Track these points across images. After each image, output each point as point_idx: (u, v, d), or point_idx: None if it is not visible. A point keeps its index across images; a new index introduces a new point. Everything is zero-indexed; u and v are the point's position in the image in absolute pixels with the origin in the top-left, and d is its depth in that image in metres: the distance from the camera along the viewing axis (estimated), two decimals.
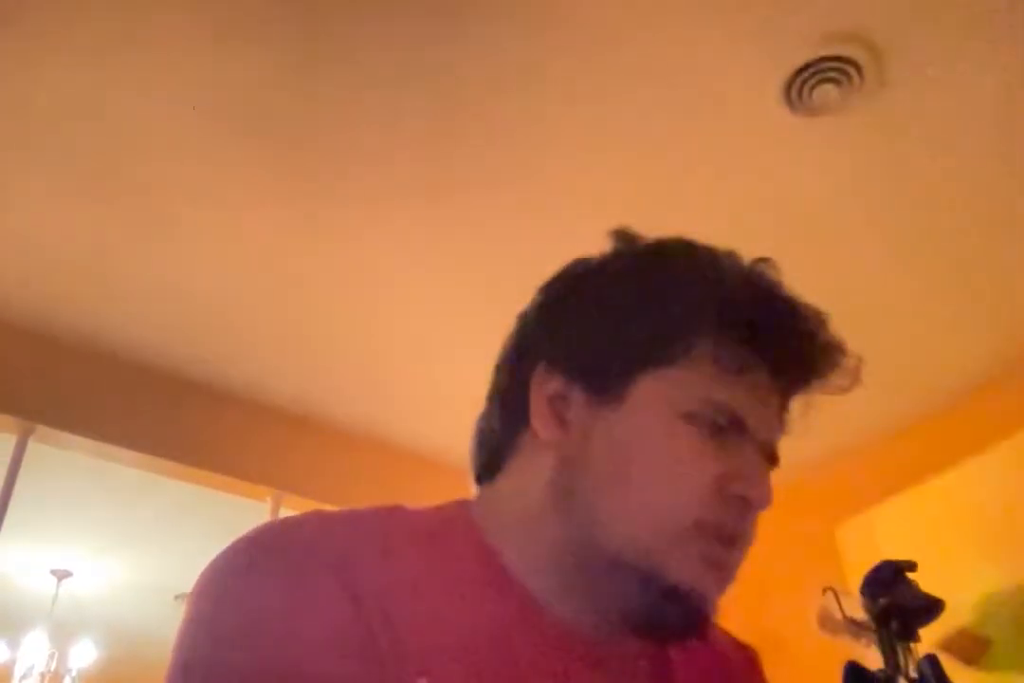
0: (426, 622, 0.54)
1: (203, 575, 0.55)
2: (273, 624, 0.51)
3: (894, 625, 2.07)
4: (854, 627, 2.13)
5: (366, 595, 0.53)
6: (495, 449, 0.67)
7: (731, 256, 0.66)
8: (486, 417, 0.69)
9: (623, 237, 0.70)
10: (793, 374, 0.64)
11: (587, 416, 0.63)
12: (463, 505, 0.66)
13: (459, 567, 0.59)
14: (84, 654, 4.31)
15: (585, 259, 0.70)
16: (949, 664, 2.17)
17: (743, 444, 0.62)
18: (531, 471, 0.64)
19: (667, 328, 0.62)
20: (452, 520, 0.64)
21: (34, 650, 4.07)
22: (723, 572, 0.60)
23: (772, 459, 0.64)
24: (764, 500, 0.60)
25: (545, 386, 0.64)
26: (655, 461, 0.60)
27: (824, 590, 2.27)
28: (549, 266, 0.72)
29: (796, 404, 0.67)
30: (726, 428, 0.61)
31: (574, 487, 0.61)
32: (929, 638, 2.25)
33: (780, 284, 0.65)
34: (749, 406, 0.62)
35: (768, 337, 0.62)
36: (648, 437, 0.60)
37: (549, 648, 0.59)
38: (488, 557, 0.61)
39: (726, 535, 0.60)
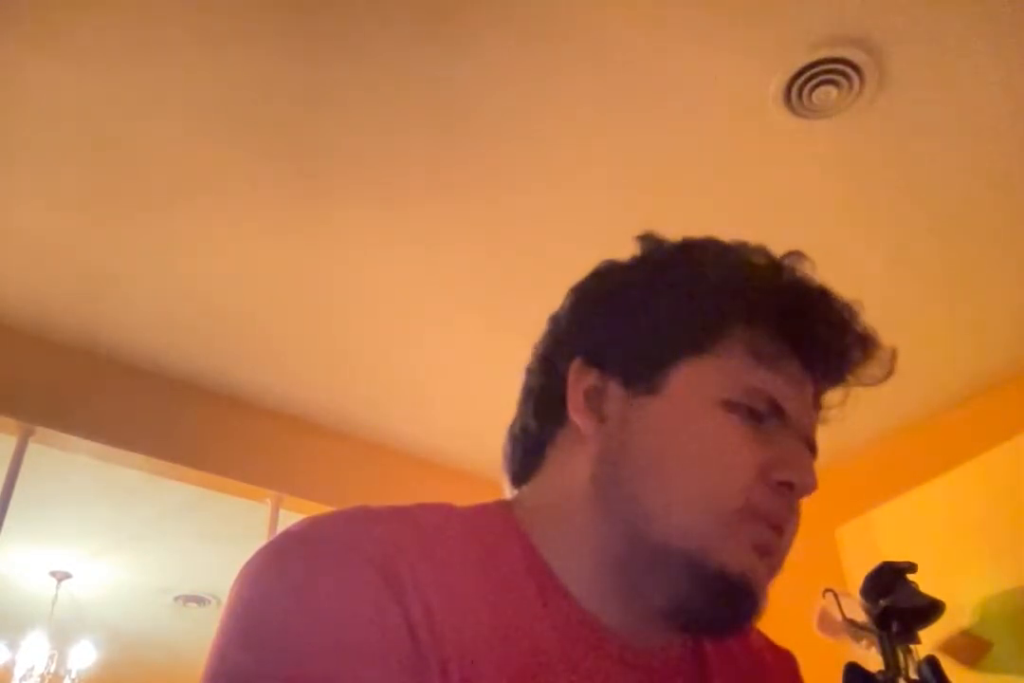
0: (467, 620, 0.54)
1: (245, 569, 0.55)
2: (314, 619, 0.50)
3: (894, 627, 2.07)
4: (854, 629, 2.13)
5: (408, 590, 0.52)
6: (531, 449, 0.67)
7: (761, 249, 0.66)
8: (520, 419, 0.68)
9: (650, 240, 0.70)
10: (825, 365, 0.64)
11: (625, 407, 0.62)
12: (506, 505, 0.66)
13: (502, 566, 0.59)
14: (84, 655, 4.30)
15: (614, 260, 0.70)
16: (949, 666, 2.17)
17: (783, 431, 0.62)
18: (571, 467, 0.64)
19: (700, 316, 0.63)
20: (495, 519, 0.63)
21: (34, 651, 4.07)
22: (772, 559, 0.60)
23: (811, 448, 0.64)
24: (810, 485, 0.60)
25: (582, 380, 0.64)
26: (699, 448, 0.60)
27: (824, 592, 2.27)
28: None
29: (833, 395, 0.67)
30: (765, 415, 0.61)
31: (617, 479, 0.61)
32: (929, 640, 2.25)
33: (810, 276, 0.65)
34: (786, 394, 0.62)
35: (799, 327, 0.62)
36: (690, 424, 0.60)
37: (589, 650, 0.58)
38: (531, 557, 0.61)
39: (775, 522, 0.59)
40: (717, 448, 0.59)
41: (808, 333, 0.62)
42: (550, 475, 0.65)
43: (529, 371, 0.69)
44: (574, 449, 0.64)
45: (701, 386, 0.61)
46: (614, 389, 0.63)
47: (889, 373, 0.65)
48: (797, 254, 0.66)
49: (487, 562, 0.58)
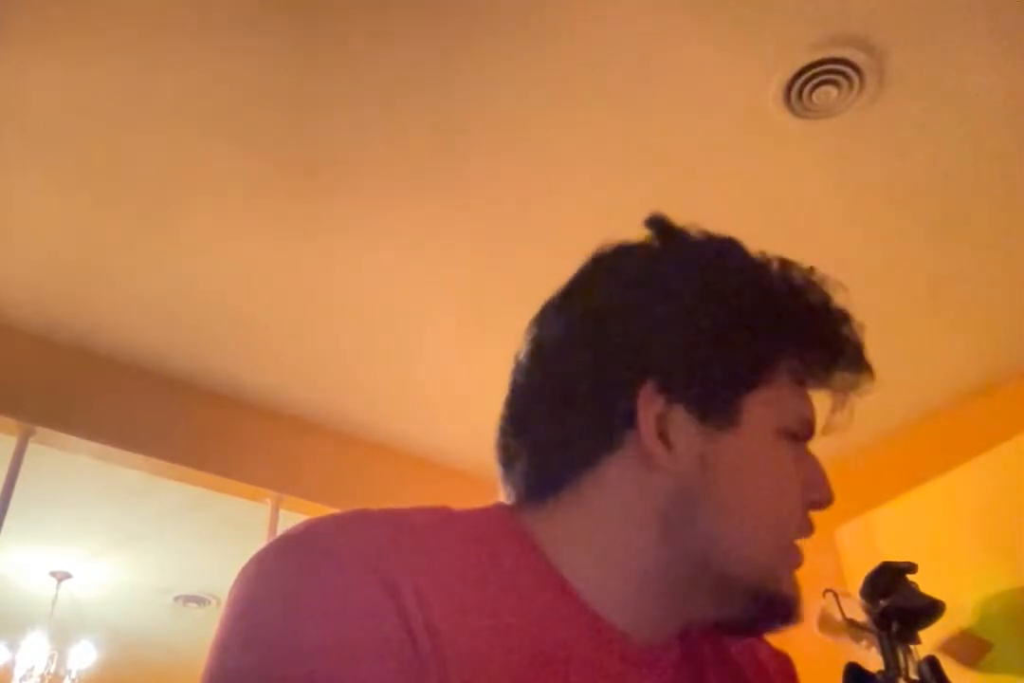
0: (466, 620, 0.54)
1: (244, 570, 0.55)
2: (312, 620, 0.50)
3: (894, 627, 2.07)
4: (854, 629, 2.13)
5: (406, 593, 0.52)
6: (569, 464, 0.63)
7: (794, 265, 0.67)
8: (557, 430, 0.63)
9: (661, 226, 0.68)
10: (843, 381, 0.66)
11: (700, 441, 0.61)
12: (507, 508, 0.65)
13: (501, 568, 0.59)
14: (84, 655, 4.30)
15: (639, 248, 0.68)
16: (949, 666, 2.17)
17: (805, 448, 0.65)
18: (628, 492, 0.61)
19: (763, 349, 0.63)
20: (495, 522, 0.63)
21: (34, 651, 4.07)
22: (799, 567, 0.64)
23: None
24: (832, 501, 0.65)
25: (652, 407, 0.61)
26: (770, 483, 0.62)
27: (824, 592, 2.27)
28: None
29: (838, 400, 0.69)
30: (803, 438, 0.65)
31: (694, 517, 0.60)
32: (929, 640, 2.25)
33: (831, 294, 0.66)
34: (814, 414, 0.66)
35: (839, 352, 0.65)
36: (760, 460, 0.62)
37: (594, 649, 0.58)
38: (534, 559, 0.60)
39: (804, 539, 0.64)
40: (780, 481, 0.63)
41: (841, 357, 0.65)
42: (600, 499, 0.62)
43: (558, 372, 0.64)
44: (639, 478, 0.61)
45: (765, 419, 0.63)
46: (680, 417, 0.61)
47: (869, 385, 0.68)
48: (814, 270, 0.67)
49: (486, 564, 0.58)
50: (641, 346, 0.62)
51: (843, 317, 0.66)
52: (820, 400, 0.67)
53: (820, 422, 0.67)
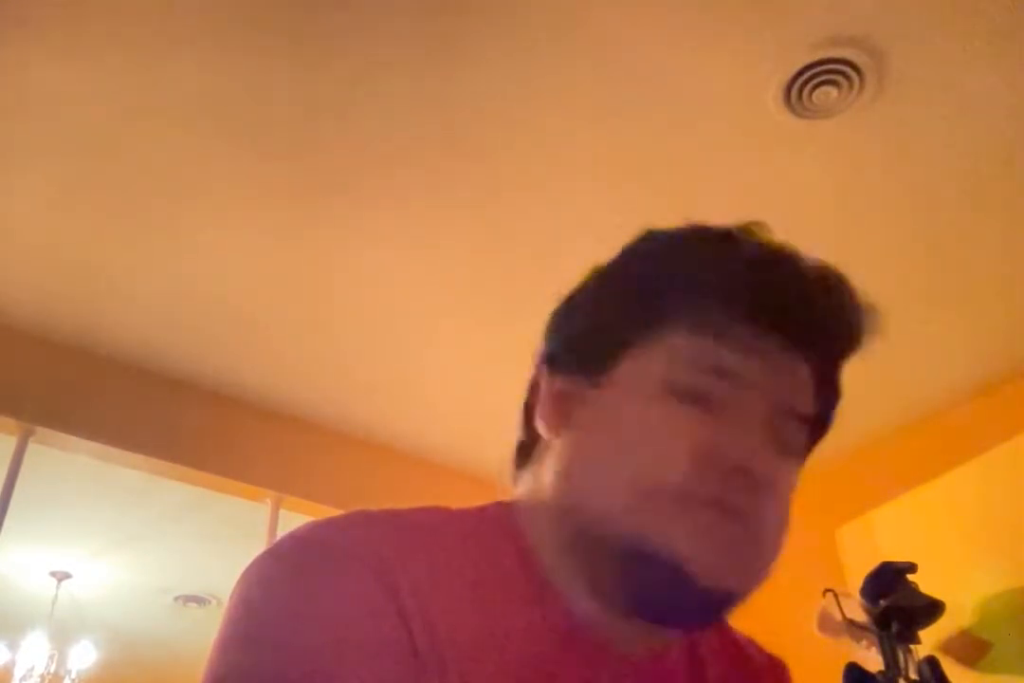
0: (464, 622, 0.54)
1: (246, 572, 0.55)
2: (313, 621, 0.51)
3: (894, 627, 2.07)
4: (854, 629, 2.13)
5: (406, 594, 0.52)
6: (521, 459, 0.68)
7: (712, 226, 0.64)
8: (518, 428, 0.69)
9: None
10: (797, 330, 0.60)
11: (580, 406, 0.63)
12: (505, 506, 0.65)
13: (499, 569, 0.59)
14: (84, 655, 4.30)
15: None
16: (949, 666, 2.17)
17: (745, 412, 0.58)
18: (542, 472, 0.64)
19: (640, 304, 0.62)
20: (494, 522, 0.63)
21: (34, 651, 4.07)
22: (730, 552, 0.56)
23: (803, 420, 0.61)
24: (760, 468, 0.56)
25: (551, 387, 0.64)
26: (633, 434, 0.59)
27: (824, 592, 2.27)
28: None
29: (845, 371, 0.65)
30: (711, 390, 0.58)
31: (565, 474, 0.61)
32: (929, 640, 2.25)
33: (774, 247, 0.63)
34: (738, 361, 0.59)
35: (758, 302, 0.59)
36: (628, 413, 0.60)
37: (584, 654, 0.58)
38: (527, 559, 0.60)
39: (729, 509, 0.56)
40: (652, 432, 0.58)
41: (758, 299, 0.59)
42: (530, 480, 0.66)
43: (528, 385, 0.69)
44: (544, 455, 0.64)
45: (643, 374, 0.60)
46: (575, 391, 0.63)
47: (871, 327, 0.63)
48: (756, 223, 0.64)
49: (484, 565, 0.58)
50: (544, 336, 0.67)
51: (748, 262, 0.61)
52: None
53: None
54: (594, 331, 0.63)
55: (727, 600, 0.57)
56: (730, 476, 0.56)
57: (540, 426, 0.64)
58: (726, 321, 0.59)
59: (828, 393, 0.64)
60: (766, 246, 0.63)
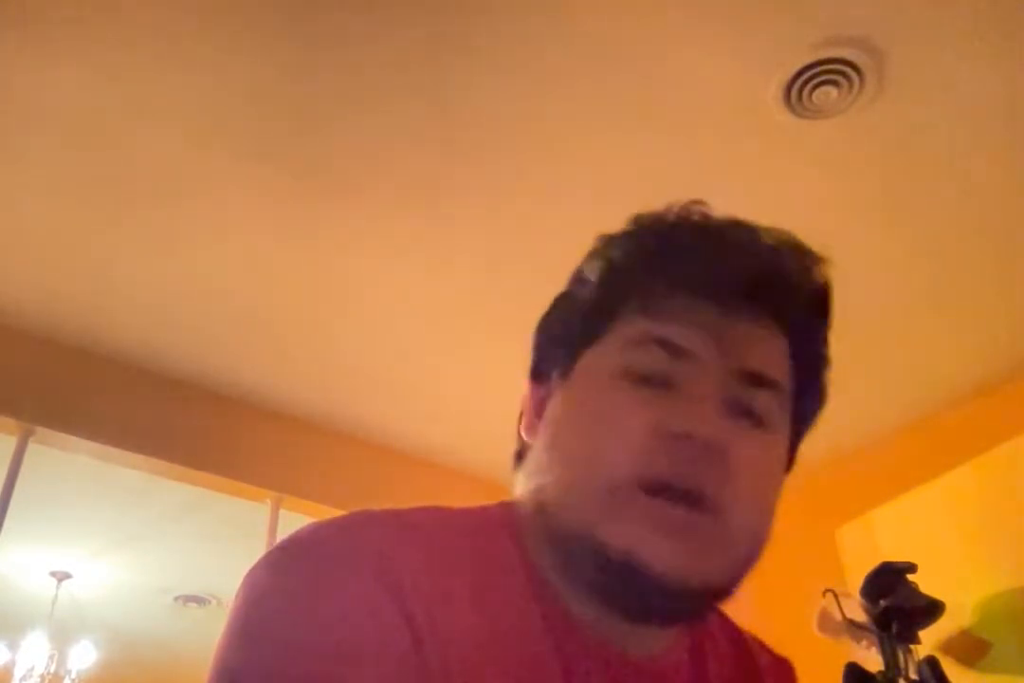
0: (466, 623, 0.54)
1: (250, 574, 0.55)
2: (316, 622, 0.51)
3: (894, 627, 2.07)
4: (854, 629, 2.14)
5: (407, 594, 0.52)
6: (520, 459, 0.68)
7: (657, 213, 0.64)
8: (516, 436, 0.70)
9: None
10: (754, 300, 0.59)
11: (549, 405, 0.64)
12: (507, 506, 0.65)
13: (499, 569, 0.59)
14: (84, 655, 4.30)
15: None
16: (949, 666, 2.17)
17: (697, 384, 0.57)
18: (523, 481, 0.65)
19: (592, 301, 0.63)
20: (495, 522, 0.63)
21: (34, 651, 4.07)
22: (688, 538, 0.54)
23: (773, 386, 0.59)
24: (704, 432, 0.54)
25: (533, 397, 0.66)
26: (585, 421, 0.59)
27: (824, 592, 2.27)
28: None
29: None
30: (668, 373, 0.57)
31: (537, 469, 0.62)
32: (929, 640, 2.25)
33: (704, 219, 0.63)
34: (700, 340, 0.57)
35: (695, 273, 0.59)
36: (581, 403, 0.61)
37: (585, 655, 0.58)
38: (527, 561, 0.60)
39: (681, 491, 0.53)
40: (597, 417, 0.57)
41: (694, 269, 0.59)
42: (520, 482, 0.66)
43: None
44: (527, 459, 0.65)
45: (596, 366, 0.60)
46: (550, 393, 0.64)
47: (824, 280, 0.62)
48: (696, 202, 0.63)
49: (486, 565, 0.58)
50: (531, 350, 0.68)
51: (690, 239, 0.61)
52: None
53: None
54: (560, 334, 0.65)
55: (700, 591, 0.55)
56: (676, 447, 0.54)
57: (522, 431, 0.65)
58: (669, 298, 0.59)
59: (808, 359, 0.62)
60: (695, 219, 0.63)
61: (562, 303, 0.67)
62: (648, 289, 0.60)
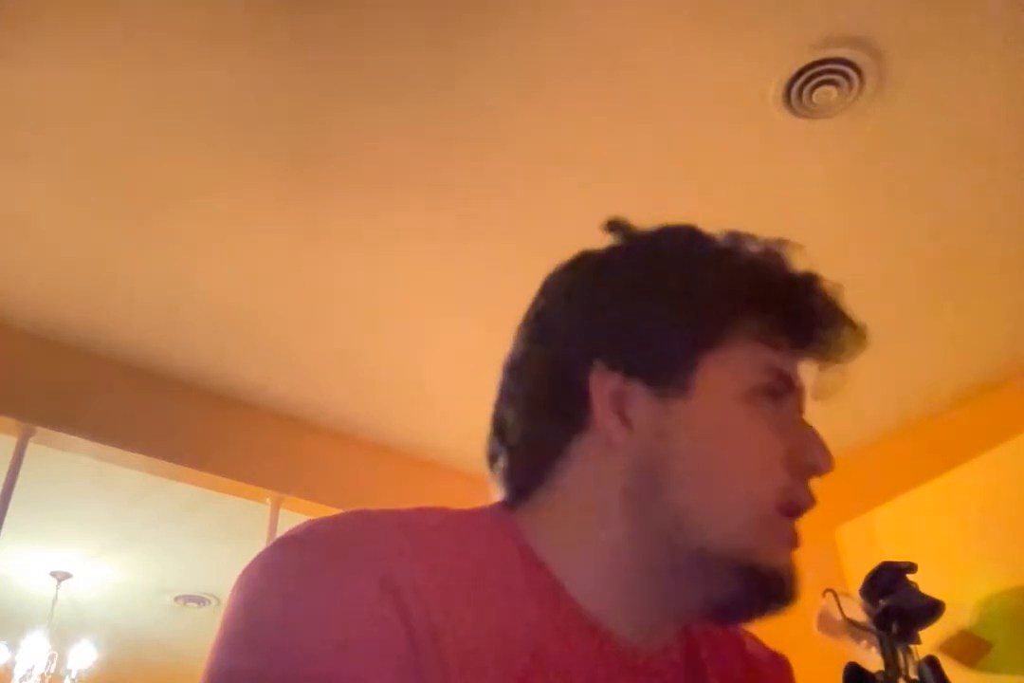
0: (465, 621, 0.54)
1: (245, 572, 0.55)
2: (313, 621, 0.50)
3: (894, 627, 2.07)
4: (854, 629, 2.13)
5: (406, 593, 0.52)
6: (540, 459, 0.65)
7: (746, 235, 0.67)
8: (518, 426, 0.66)
9: (618, 227, 0.70)
10: (818, 344, 0.65)
11: (657, 413, 0.61)
12: (503, 508, 0.65)
13: (500, 569, 0.59)
14: (84, 655, 4.30)
15: (593, 251, 0.70)
16: (949, 666, 2.17)
17: (795, 410, 0.64)
18: (596, 477, 0.62)
19: (713, 312, 0.62)
20: (493, 522, 0.63)
21: (34, 652, 4.07)
22: (795, 546, 0.61)
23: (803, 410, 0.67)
24: (831, 464, 0.61)
25: (605, 386, 0.62)
26: (738, 449, 0.60)
27: (824, 592, 2.26)
28: (554, 266, 0.72)
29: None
30: (781, 392, 0.63)
31: (656, 490, 0.59)
32: (929, 640, 2.24)
33: (794, 258, 0.66)
34: (794, 372, 0.64)
35: (800, 312, 0.64)
36: (725, 425, 0.60)
37: (590, 652, 0.58)
38: (530, 560, 0.60)
39: (798, 510, 0.61)
40: (754, 447, 0.60)
41: (807, 317, 0.64)
42: (570, 487, 0.63)
43: (521, 375, 0.67)
44: (600, 459, 0.62)
45: (724, 382, 0.61)
46: (638, 393, 0.61)
47: (862, 347, 0.66)
48: (782, 240, 0.66)
49: (485, 564, 0.58)
50: (583, 331, 0.64)
51: (798, 281, 0.65)
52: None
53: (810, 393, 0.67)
54: (672, 336, 0.62)
55: (799, 587, 0.61)
56: (801, 475, 0.61)
57: (609, 428, 0.61)
58: (779, 334, 0.63)
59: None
60: (795, 265, 0.66)
61: (652, 295, 0.63)
62: (763, 316, 0.63)
